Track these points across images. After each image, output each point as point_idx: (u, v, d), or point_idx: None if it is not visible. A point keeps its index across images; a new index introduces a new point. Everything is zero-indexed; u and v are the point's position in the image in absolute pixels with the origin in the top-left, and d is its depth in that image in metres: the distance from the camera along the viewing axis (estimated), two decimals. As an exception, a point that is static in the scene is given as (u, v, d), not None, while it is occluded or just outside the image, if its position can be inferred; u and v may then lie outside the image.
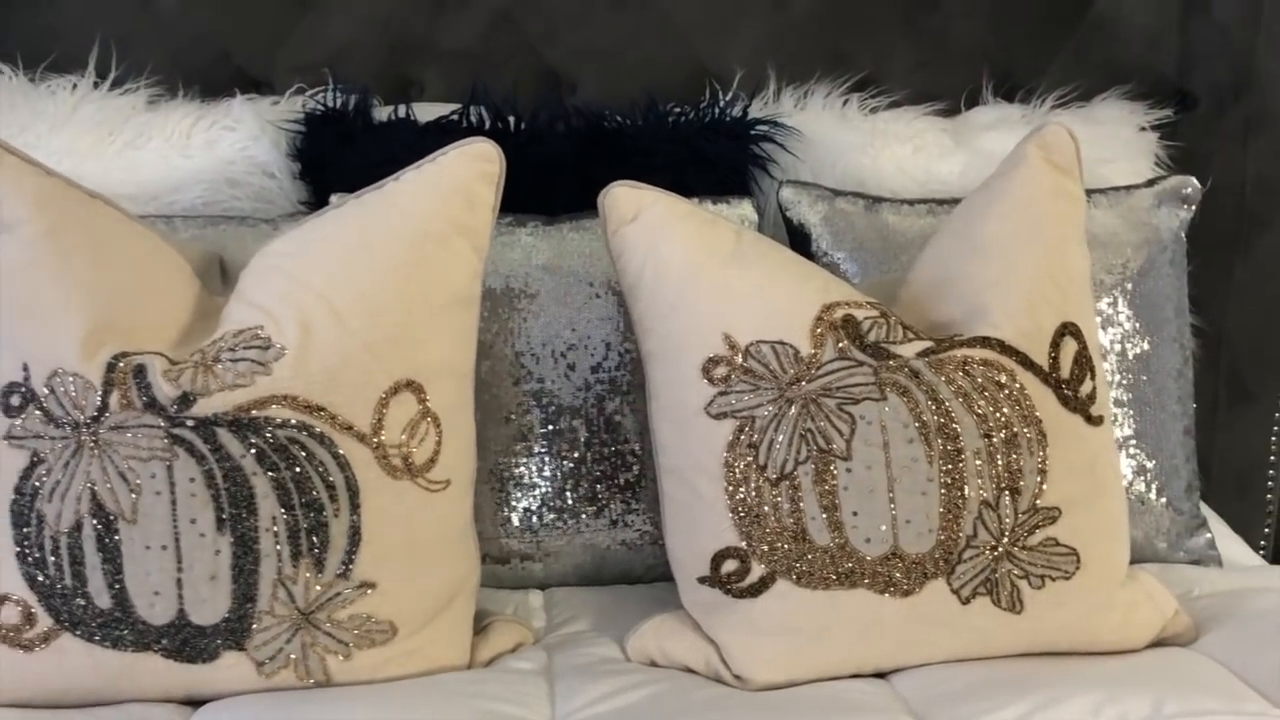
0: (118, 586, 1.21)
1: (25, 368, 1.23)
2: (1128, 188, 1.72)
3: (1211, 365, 1.98)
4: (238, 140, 1.72)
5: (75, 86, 1.74)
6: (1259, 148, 1.98)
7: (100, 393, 1.21)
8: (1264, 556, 1.97)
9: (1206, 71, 1.97)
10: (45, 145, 1.65)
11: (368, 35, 1.86)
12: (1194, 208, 1.71)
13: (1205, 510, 1.70)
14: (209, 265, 1.42)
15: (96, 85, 1.75)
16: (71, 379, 1.22)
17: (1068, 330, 1.34)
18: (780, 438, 1.28)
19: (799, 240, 1.65)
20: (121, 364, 1.22)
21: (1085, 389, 1.33)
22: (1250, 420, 2.05)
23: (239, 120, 1.73)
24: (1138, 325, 1.64)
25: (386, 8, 1.86)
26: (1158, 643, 1.35)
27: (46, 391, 1.22)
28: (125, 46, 1.79)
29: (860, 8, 1.91)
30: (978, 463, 1.28)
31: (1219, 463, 2.02)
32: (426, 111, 1.75)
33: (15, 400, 1.22)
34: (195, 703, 1.25)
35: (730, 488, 1.29)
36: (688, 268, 1.33)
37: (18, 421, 1.22)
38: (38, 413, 1.22)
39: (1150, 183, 1.73)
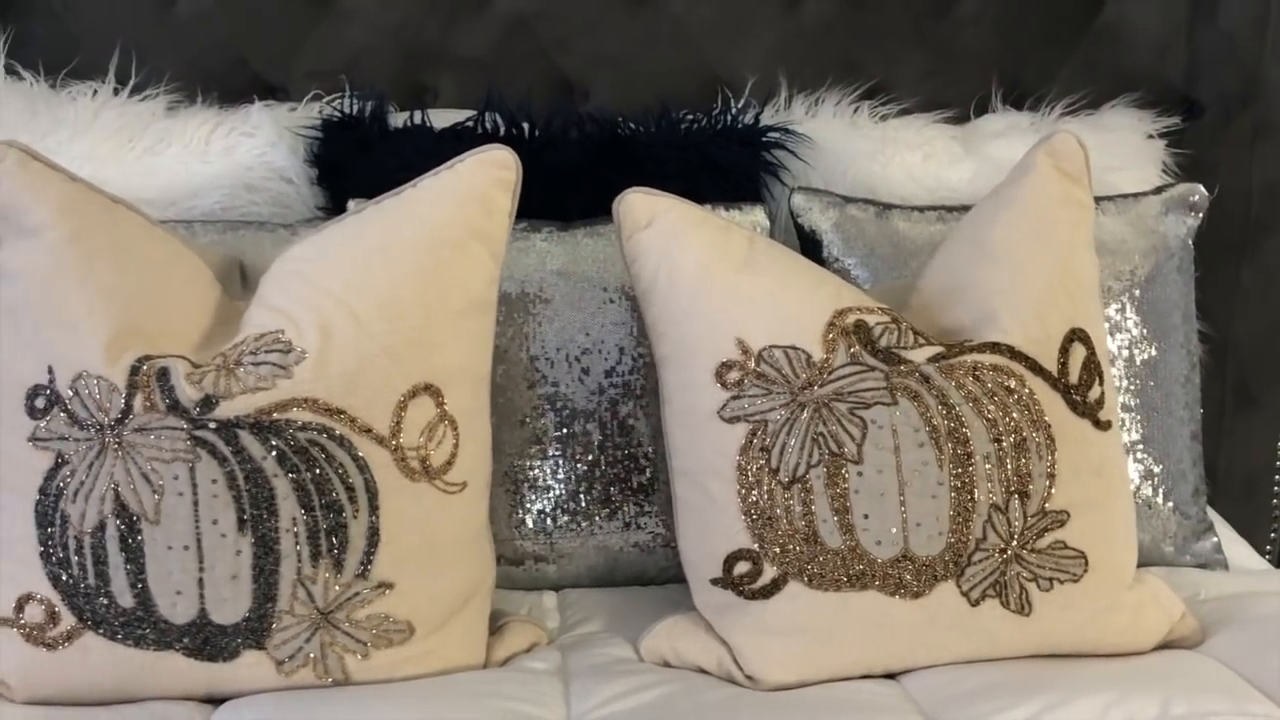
0: (140, 586, 1.23)
1: (50, 370, 1.24)
2: (1136, 195, 1.72)
3: (1218, 371, 1.99)
4: (256, 146, 1.73)
5: (96, 93, 1.75)
6: (1265, 155, 1.98)
7: (124, 395, 1.23)
8: (1270, 560, 1.97)
9: (1213, 79, 1.97)
10: (66, 151, 1.66)
11: (383, 42, 1.87)
12: (1201, 215, 1.72)
13: (1211, 515, 1.70)
14: (229, 270, 1.43)
15: (116, 92, 1.76)
16: (96, 382, 1.23)
17: (1076, 336, 1.35)
18: (792, 441, 1.29)
19: (810, 246, 1.66)
20: (145, 367, 1.24)
21: (1093, 394, 1.34)
22: (1256, 425, 2.05)
23: (257, 126, 1.74)
24: (1145, 331, 1.65)
25: (401, 14, 1.87)
26: (1164, 645, 1.36)
27: (71, 394, 1.23)
28: (145, 54, 1.80)
29: (870, 16, 1.92)
30: (987, 467, 1.29)
31: (1225, 468, 2.02)
32: (442, 118, 1.76)
33: (40, 403, 1.24)
34: (215, 700, 1.26)
35: (743, 490, 1.30)
36: (701, 273, 1.34)
37: (43, 423, 1.23)
38: (62, 415, 1.23)
39: (1158, 190, 1.74)
